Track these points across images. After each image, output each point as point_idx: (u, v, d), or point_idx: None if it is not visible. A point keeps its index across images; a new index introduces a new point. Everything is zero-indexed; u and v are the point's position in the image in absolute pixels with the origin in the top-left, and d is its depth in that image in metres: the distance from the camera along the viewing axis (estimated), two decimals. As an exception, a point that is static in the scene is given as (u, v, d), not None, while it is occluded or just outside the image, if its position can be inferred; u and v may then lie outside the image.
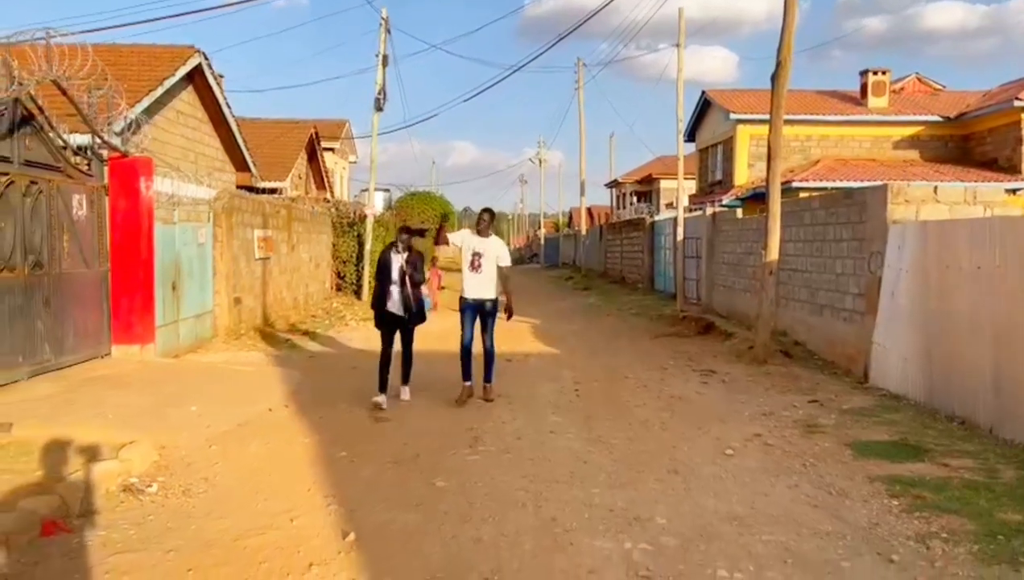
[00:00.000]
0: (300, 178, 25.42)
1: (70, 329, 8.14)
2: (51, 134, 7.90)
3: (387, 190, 33.40)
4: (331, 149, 30.18)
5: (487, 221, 7.94)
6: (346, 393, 8.24)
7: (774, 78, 10.27)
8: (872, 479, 5.40)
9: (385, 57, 19.08)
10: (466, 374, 7.87)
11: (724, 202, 22.59)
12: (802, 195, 16.20)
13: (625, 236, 29.48)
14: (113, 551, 4.03)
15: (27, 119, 7.45)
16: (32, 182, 7.52)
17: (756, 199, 19.20)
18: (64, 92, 7.74)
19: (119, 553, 4.01)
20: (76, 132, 8.66)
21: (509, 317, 8.07)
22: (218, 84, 16.02)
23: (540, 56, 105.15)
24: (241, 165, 18.17)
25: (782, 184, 20.43)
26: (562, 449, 6.20)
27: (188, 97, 15.40)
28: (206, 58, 15.14)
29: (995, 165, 21.59)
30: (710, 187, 27.21)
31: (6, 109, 7.01)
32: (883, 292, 8.81)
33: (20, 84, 7.14)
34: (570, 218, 64.74)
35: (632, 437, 6.61)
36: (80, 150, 8.56)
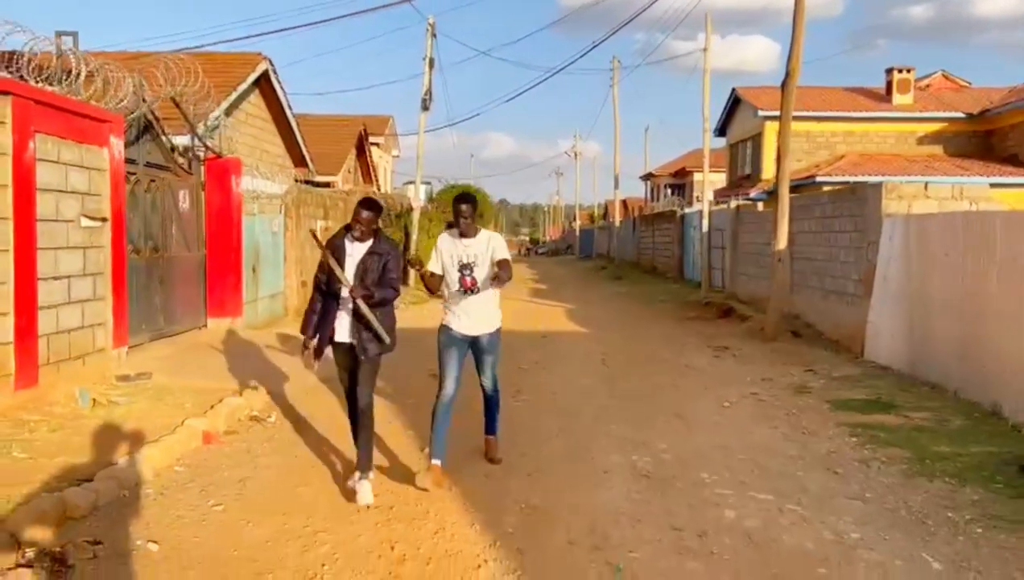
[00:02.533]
0: (350, 172, 27.05)
1: (177, 303, 9.71)
2: (163, 139, 9.45)
3: (428, 183, 35.05)
4: (376, 144, 31.79)
5: (467, 213, 5.07)
6: (403, 359, 9.63)
7: (784, 86, 11.45)
8: (840, 424, 6.67)
9: (432, 60, 20.52)
10: (438, 448, 5.02)
11: (752, 196, 23.60)
12: (825, 189, 17.24)
13: (657, 228, 30.60)
14: (257, 455, 5.52)
15: (147, 127, 9.00)
16: (151, 180, 9.07)
17: (780, 193, 20.20)
18: (178, 106, 9.29)
19: (262, 456, 5.51)
20: (175, 135, 10.23)
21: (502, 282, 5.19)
22: (282, 88, 17.58)
23: (580, 58, 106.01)
24: (299, 161, 19.77)
25: (807, 178, 21.73)
26: (589, 401, 7.57)
27: (255, 100, 16.99)
28: (272, 64, 16.71)
29: (1016, 160, 22.28)
30: (739, 181, 28.16)
31: (135, 121, 8.55)
32: (877, 278, 9.97)
33: (144, 100, 8.68)
34: (605, 210, 65.66)
35: (647, 394, 7.95)
36: (183, 152, 10.11)
